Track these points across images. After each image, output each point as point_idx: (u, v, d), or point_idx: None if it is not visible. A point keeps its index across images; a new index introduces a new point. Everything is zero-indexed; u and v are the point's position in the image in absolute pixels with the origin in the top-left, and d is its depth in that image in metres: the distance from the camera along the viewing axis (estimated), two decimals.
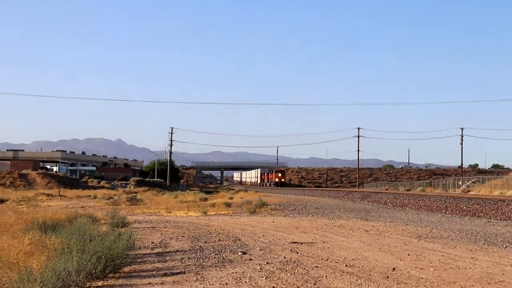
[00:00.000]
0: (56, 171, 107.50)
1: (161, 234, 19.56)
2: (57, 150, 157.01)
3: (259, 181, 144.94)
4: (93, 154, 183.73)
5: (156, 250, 15.27)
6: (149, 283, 10.50)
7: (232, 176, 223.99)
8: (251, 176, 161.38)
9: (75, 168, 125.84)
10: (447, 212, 34.00)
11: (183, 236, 18.80)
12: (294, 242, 16.87)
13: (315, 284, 10.28)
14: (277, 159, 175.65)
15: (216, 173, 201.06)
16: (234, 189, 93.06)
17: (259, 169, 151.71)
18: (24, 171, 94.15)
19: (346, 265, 12.44)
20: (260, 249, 15.18)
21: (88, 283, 10.23)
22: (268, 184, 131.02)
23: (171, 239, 18.07)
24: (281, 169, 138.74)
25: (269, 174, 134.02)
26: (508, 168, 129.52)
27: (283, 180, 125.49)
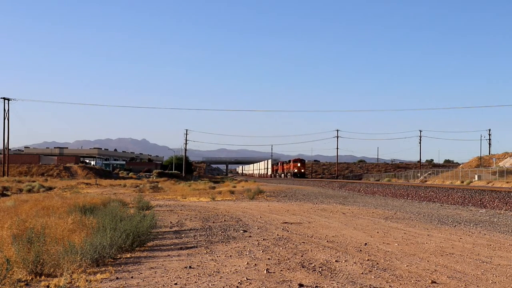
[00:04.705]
0: (93, 165, 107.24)
1: (178, 216, 19.55)
2: (94, 148, 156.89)
3: (269, 173, 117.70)
4: (123, 151, 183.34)
5: (173, 229, 15.26)
6: (168, 255, 10.49)
7: (236, 169, 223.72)
8: (260, 168, 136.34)
9: (108, 162, 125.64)
10: (409, 198, 33.99)
11: (196, 217, 18.79)
12: (285, 222, 16.85)
13: (302, 256, 10.27)
14: (272, 156, 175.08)
15: (222, 167, 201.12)
16: (236, 180, 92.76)
17: (269, 160, 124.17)
18: (68, 165, 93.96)
19: (327, 241, 12.43)
20: (258, 228, 15.17)
21: (119, 255, 10.24)
22: (284, 175, 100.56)
23: (185, 219, 18.06)
24: (300, 158, 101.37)
25: (284, 165, 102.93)
26: (457, 163, 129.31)
27: (302, 170, 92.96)
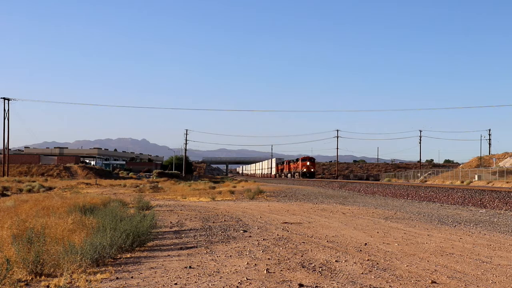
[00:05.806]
0: (93, 165, 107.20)
1: (178, 216, 19.54)
2: (94, 148, 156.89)
3: (273, 172, 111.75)
4: (123, 151, 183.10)
5: (173, 229, 15.26)
6: (168, 255, 10.49)
7: (236, 169, 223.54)
8: (262, 167, 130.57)
9: (108, 162, 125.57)
10: (409, 198, 33.98)
11: (196, 218, 18.78)
12: (285, 222, 16.85)
13: (302, 256, 10.27)
14: (272, 156, 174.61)
15: (222, 167, 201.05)
16: (236, 180, 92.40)
17: (273, 159, 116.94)
18: (68, 165, 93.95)
19: (327, 241, 12.43)
20: (258, 228, 15.17)
21: (119, 255, 10.24)
22: (291, 175, 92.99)
23: (185, 219, 18.06)
24: (309, 156, 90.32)
25: (291, 164, 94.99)
26: (457, 163, 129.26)
27: (312, 170, 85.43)
